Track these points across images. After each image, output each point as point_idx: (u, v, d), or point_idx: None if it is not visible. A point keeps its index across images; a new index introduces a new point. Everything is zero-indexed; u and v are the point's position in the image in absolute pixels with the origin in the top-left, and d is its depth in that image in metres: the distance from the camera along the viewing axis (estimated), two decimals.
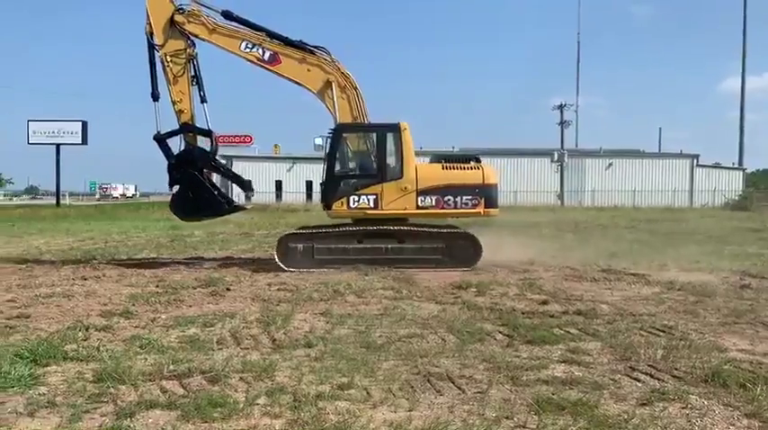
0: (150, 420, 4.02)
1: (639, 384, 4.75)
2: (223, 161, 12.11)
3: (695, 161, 55.01)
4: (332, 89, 11.63)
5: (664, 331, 6.45)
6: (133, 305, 7.97)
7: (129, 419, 4.00)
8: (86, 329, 6.52)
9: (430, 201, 11.58)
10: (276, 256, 11.47)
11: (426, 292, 8.86)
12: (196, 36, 11.82)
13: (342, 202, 11.55)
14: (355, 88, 11.78)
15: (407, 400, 4.37)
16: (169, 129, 12.01)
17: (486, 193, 11.75)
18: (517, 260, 12.51)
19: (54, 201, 54.10)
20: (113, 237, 19.02)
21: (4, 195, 70.24)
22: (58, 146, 52.01)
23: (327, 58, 11.82)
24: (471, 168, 11.95)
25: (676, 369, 5.09)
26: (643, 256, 13.28)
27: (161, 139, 11.99)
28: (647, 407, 4.24)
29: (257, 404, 4.30)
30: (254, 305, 8.07)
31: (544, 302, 8.09)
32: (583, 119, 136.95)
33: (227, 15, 11.85)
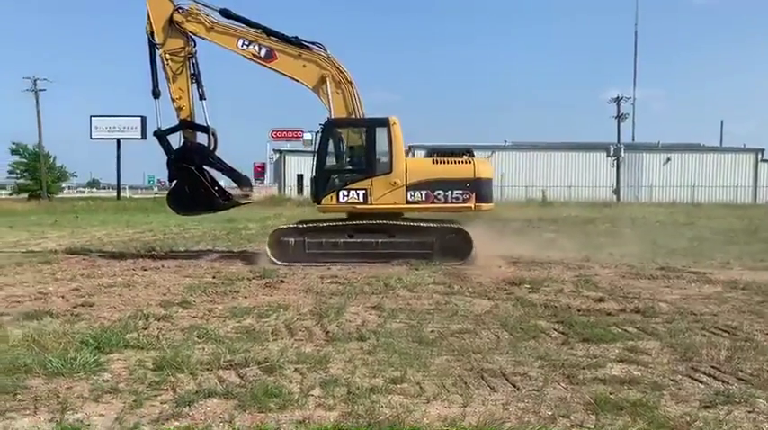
0: (208, 408, 4.11)
1: (702, 386, 4.59)
2: (221, 157, 12.19)
3: (760, 155, 52.87)
4: (327, 84, 11.69)
5: (727, 331, 6.22)
6: (191, 295, 8.18)
7: (188, 407, 4.10)
8: (146, 318, 6.72)
9: (419, 195, 11.48)
10: (268, 251, 11.59)
11: (478, 288, 8.79)
12: (195, 34, 12.01)
13: (331, 197, 11.58)
14: (351, 83, 11.81)
15: (461, 396, 4.34)
16: (169, 126, 12.26)
17: (477, 188, 11.58)
18: (571, 256, 12.28)
19: (115, 194, 56.00)
20: (171, 229, 19.55)
21: (69, 188, 73.00)
22: (118, 140, 53.80)
23: (323, 54, 11.87)
24: (463, 162, 11.83)
25: (741, 371, 4.90)
26: (704, 254, 12.85)
27: (161, 135, 12.29)
28: (711, 410, 4.09)
29: (312, 395, 4.34)
30: (307, 297, 8.17)
31: (600, 300, 7.92)
32: (640, 112, 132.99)
33: (224, 14, 12.00)
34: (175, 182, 12.34)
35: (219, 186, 12.62)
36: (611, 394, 4.34)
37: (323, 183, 11.67)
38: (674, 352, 5.46)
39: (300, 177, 51.78)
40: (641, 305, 7.48)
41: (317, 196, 11.69)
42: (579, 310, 7.23)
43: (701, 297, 8.22)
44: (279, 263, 11.21)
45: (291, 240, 11.55)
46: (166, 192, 13.47)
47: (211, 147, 12.11)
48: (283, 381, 4.63)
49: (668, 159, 52.49)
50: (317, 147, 11.75)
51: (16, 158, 57.08)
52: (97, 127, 54.09)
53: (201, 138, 12.25)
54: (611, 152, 50.47)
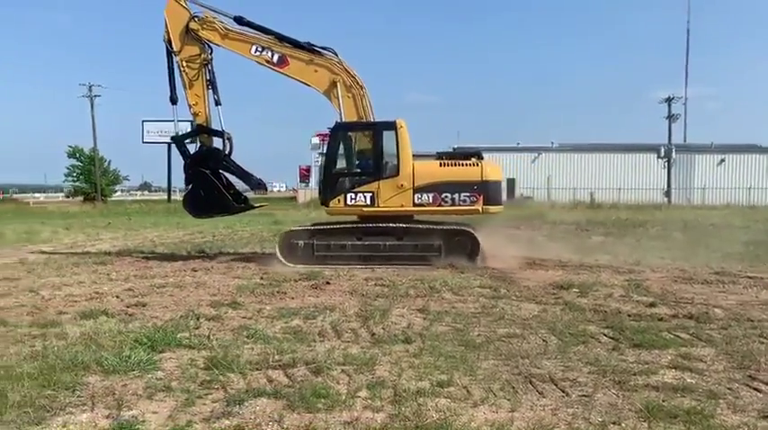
0: (258, 408, 4.18)
1: (760, 395, 4.44)
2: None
3: None
4: (338, 89, 11.78)
5: None
6: (240, 296, 8.34)
7: (238, 406, 4.19)
8: (197, 318, 6.89)
9: (427, 198, 11.45)
10: (278, 252, 11.66)
11: (525, 292, 8.69)
12: (210, 41, 12.25)
13: (339, 200, 11.62)
14: (362, 87, 11.89)
15: (509, 401, 4.31)
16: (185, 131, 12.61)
17: (485, 190, 11.48)
18: (621, 260, 12.03)
19: (165, 197, 57.38)
20: (220, 230, 19.91)
21: (122, 191, 75.21)
22: (169, 144, 55.03)
23: (334, 59, 11.97)
24: (470, 165, 11.70)
25: None
26: (760, 258, 12.40)
27: (178, 140, 12.61)
28: None
29: (359, 397, 4.38)
30: (353, 299, 8.22)
31: (652, 305, 7.72)
32: (692, 111, 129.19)
33: (239, 20, 12.20)
34: (191, 185, 12.63)
35: (235, 189, 12.87)
36: (663, 401, 4.24)
37: (331, 186, 11.79)
38: (731, 359, 5.29)
39: None
40: (695, 311, 7.27)
41: (325, 199, 11.82)
42: (630, 315, 7.08)
43: (759, 303, 7.94)
44: (288, 264, 11.33)
45: (301, 242, 11.71)
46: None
47: (227, 152, 12.37)
48: (331, 382, 4.68)
49: (722, 160, 50.76)
50: (325, 151, 11.83)
51: (73, 162, 59.06)
52: (149, 131, 55.52)
53: (218, 143, 12.51)
54: (662, 153, 49.14)
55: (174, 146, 12.75)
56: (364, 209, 11.58)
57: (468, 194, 11.41)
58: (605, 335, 6.17)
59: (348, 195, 11.58)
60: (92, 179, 57.04)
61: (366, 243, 11.50)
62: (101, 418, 4.03)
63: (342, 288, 9.10)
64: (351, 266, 11.03)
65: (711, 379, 4.79)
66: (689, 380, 4.74)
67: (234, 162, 12.43)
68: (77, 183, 60.03)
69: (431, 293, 8.54)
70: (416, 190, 11.44)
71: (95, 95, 56.95)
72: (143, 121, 56.08)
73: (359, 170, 12.07)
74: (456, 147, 48.84)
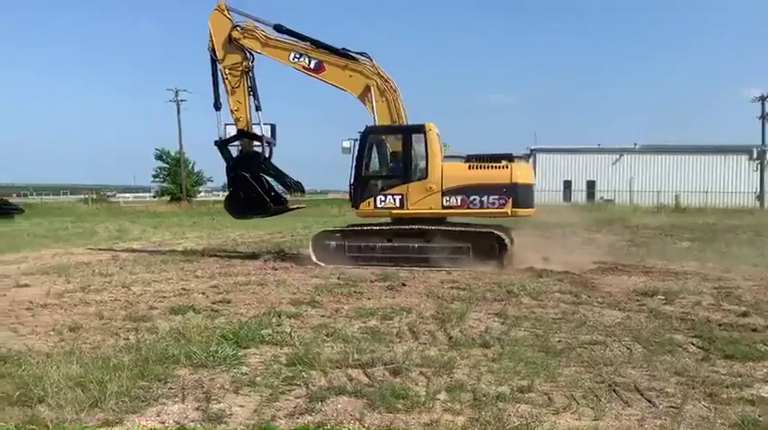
0: (339, 406, 4.26)
1: None
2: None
3: None
4: (371, 93, 11.89)
5: None
6: (319, 295, 8.52)
7: (320, 403, 4.28)
8: (279, 316, 7.09)
9: (455, 200, 11.49)
10: (311, 253, 11.87)
11: (608, 298, 8.44)
12: (251, 49, 12.61)
13: (369, 202, 11.81)
14: (395, 91, 11.97)
15: (592, 409, 4.21)
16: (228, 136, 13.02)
17: (514, 193, 11.36)
18: (710, 267, 11.50)
19: None
20: (298, 230, 20.37)
21: (205, 192, 78.10)
22: None
23: (369, 64, 12.08)
24: (500, 167, 11.53)
25: None
26: None
27: (222, 145, 13.00)
28: None
29: (438, 399, 4.38)
30: (429, 301, 8.23)
31: (744, 314, 7.34)
32: None
33: (278, 28, 12.46)
34: (232, 188, 13.12)
35: (276, 192, 13.19)
36: (760, 417, 4.03)
37: (361, 189, 11.96)
38: None
39: None
40: None
41: (355, 201, 12.00)
42: (720, 325, 6.75)
43: None
44: (321, 264, 11.55)
45: (333, 243, 11.97)
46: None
47: (266, 155, 12.80)
48: (410, 383, 4.71)
49: None
50: (355, 154, 11.96)
51: (160, 164, 61.78)
52: (231, 134, 57.35)
53: (258, 147, 12.96)
54: (755, 155, 46.57)
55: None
56: (393, 211, 11.80)
57: (496, 197, 11.41)
58: (694, 345, 5.92)
59: (378, 197, 11.82)
60: (177, 180, 59.46)
61: (396, 244, 11.65)
62: (191, 410, 4.21)
63: (417, 290, 9.13)
64: (381, 266, 11.19)
65: None
66: None
67: (273, 165, 12.88)
68: (164, 184, 62.73)
69: (508, 298, 8.43)
70: (445, 192, 11.55)
71: (181, 100, 59.35)
72: (225, 125, 57.87)
73: (388, 173, 12.26)
74: (533, 148, 47.94)
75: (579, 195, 45.51)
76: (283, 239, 17.75)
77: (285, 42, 12.54)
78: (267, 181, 13.03)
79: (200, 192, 70.47)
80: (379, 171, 12.40)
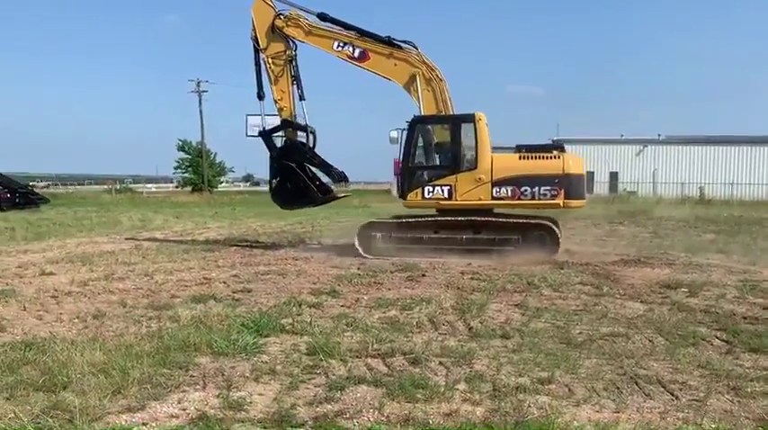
0: (359, 394, 4.27)
1: None
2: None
3: None
4: (417, 82, 11.71)
5: None
6: (339, 285, 8.55)
7: (339, 392, 4.30)
8: (299, 305, 7.12)
9: (505, 191, 11.29)
10: (357, 244, 11.76)
11: (630, 290, 8.35)
12: (294, 38, 12.45)
13: (417, 193, 11.63)
14: (441, 80, 11.76)
15: (613, 401, 4.17)
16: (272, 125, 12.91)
17: (567, 184, 11.14)
18: (735, 260, 11.32)
19: (267, 188, 59.41)
20: (319, 221, 20.42)
21: (227, 182, 78.66)
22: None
23: (414, 53, 11.90)
24: (552, 158, 11.32)
25: None
26: None
27: (266, 135, 12.91)
28: None
29: (457, 389, 4.37)
30: (449, 292, 8.21)
31: None
32: None
33: (321, 17, 12.33)
34: (278, 178, 13.02)
35: (321, 181, 13.14)
36: None
37: (408, 180, 11.81)
38: None
39: None
40: None
41: (402, 192, 11.87)
42: (745, 318, 6.66)
43: None
44: (366, 256, 11.47)
45: (378, 234, 11.85)
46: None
47: (311, 145, 12.66)
48: (429, 373, 4.71)
49: None
50: (403, 144, 11.85)
51: (182, 154, 62.25)
52: (252, 125, 57.54)
53: (302, 137, 12.79)
54: None
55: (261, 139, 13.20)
56: (441, 202, 11.62)
57: (548, 188, 11.20)
58: (718, 338, 5.84)
59: (426, 188, 11.66)
60: (199, 171, 59.90)
61: (442, 236, 11.53)
62: (212, 397, 4.25)
63: (437, 280, 9.11)
64: (429, 258, 11.07)
65: None
66: None
67: (317, 155, 12.76)
68: (186, 175, 63.22)
69: (529, 289, 8.38)
70: (495, 183, 11.36)
71: (203, 91, 59.65)
72: (247, 116, 57.34)
73: (437, 163, 12.10)
74: (555, 139, 47.54)
75: (602, 187, 44.99)
76: (304, 230, 17.82)
77: (329, 31, 12.43)
78: (311, 170, 12.99)
79: (221, 182, 70.93)
80: (427, 161, 12.25)
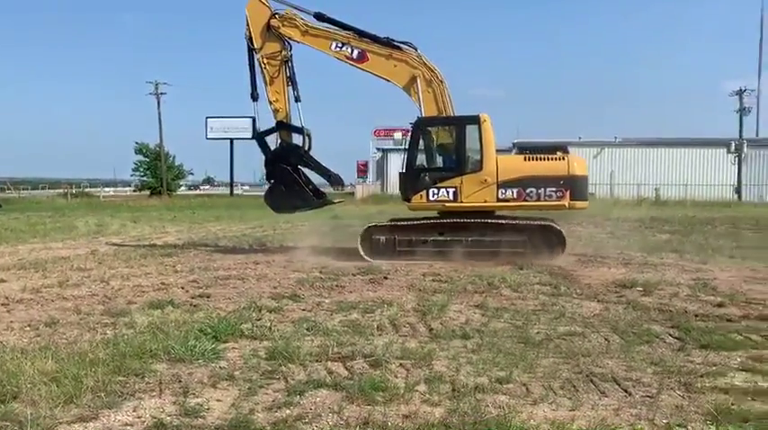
0: (318, 399, 4.25)
1: None
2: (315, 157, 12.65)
3: None
4: (417, 83, 11.66)
5: None
6: (300, 289, 8.51)
7: (299, 396, 4.27)
8: (259, 310, 7.06)
9: (511, 193, 11.25)
10: (360, 248, 11.63)
11: (587, 290, 8.51)
12: (290, 38, 12.27)
13: (421, 195, 11.53)
14: (442, 82, 11.74)
15: (569, 399, 4.25)
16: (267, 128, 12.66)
17: (572, 185, 11.19)
18: (688, 259, 11.64)
19: (228, 191, 58.82)
20: (281, 225, 20.24)
21: (186, 186, 77.48)
22: (231, 140, 56.48)
23: (414, 54, 11.85)
24: (557, 159, 11.39)
25: None
26: None
27: (260, 137, 12.71)
28: None
29: (417, 391, 4.39)
30: (411, 294, 8.24)
31: (720, 305, 7.44)
32: (766, 104, 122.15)
33: (318, 17, 12.20)
34: (273, 181, 12.82)
35: (314, 185, 12.97)
36: (733, 405, 4.10)
37: (413, 182, 11.71)
38: None
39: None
40: (767, 312, 6.97)
41: (407, 194, 11.77)
42: (696, 315, 6.85)
43: None
44: (369, 259, 11.33)
45: (382, 238, 11.69)
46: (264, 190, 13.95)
47: (306, 148, 12.48)
48: (389, 376, 4.72)
49: None
50: (407, 146, 11.77)
51: (140, 157, 61.13)
52: (212, 127, 57.03)
53: (297, 140, 12.64)
54: (733, 148, 47.09)
55: (256, 142, 12.88)
56: (447, 204, 11.49)
57: (554, 189, 11.19)
58: (671, 336, 5.99)
59: (431, 191, 11.52)
60: (158, 174, 58.92)
61: (448, 238, 11.41)
62: (168, 404, 4.18)
63: (399, 283, 9.13)
64: (433, 261, 10.98)
65: None
66: (761, 384, 4.56)
67: (313, 158, 12.56)
68: (144, 178, 62.13)
69: (489, 290, 8.47)
70: (500, 185, 11.29)
71: (161, 93, 58.79)
72: (207, 118, 57.60)
73: (441, 165, 12.01)
74: (515, 142, 48.10)
75: None
76: (265, 233, 17.67)
77: (326, 31, 12.25)
78: (304, 173, 12.77)
79: (180, 185, 69.90)
80: (432, 163, 12.13)
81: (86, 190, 61.98)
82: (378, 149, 59.79)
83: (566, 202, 11.21)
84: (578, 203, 11.38)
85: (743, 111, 51.48)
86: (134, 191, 69.43)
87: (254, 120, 13.15)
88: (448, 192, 11.44)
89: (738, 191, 46.38)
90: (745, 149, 47.08)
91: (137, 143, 60.90)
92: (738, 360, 5.17)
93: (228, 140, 56.82)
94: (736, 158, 47.33)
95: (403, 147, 11.79)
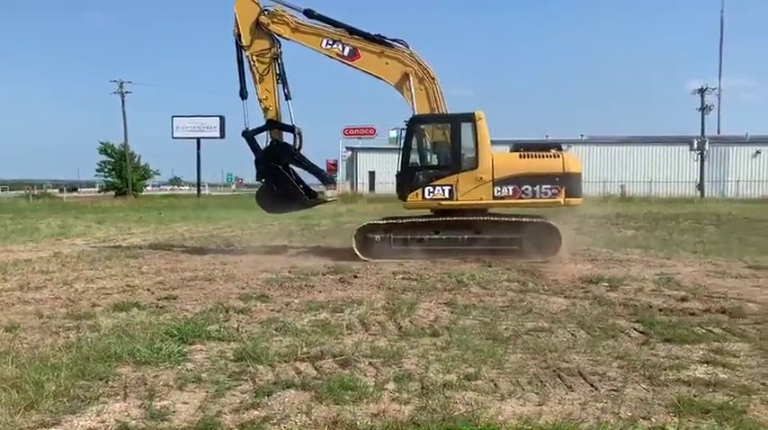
0: (286, 399, 4.22)
1: None
2: (306, 155, 12.54)
3: None
4: (410, 81, 11.66)
5: None
6: (268, 289, 8.43)
7: (267, 398, 4.23)
8: (227, 311, 6.98)
9: (506, 190, 11.31)
10: (354, 247, 11.58)
11: (554, 286, 8.62)
12: (280, 35, 12.16)
13: (417, 193, 11.53)
14: (434, 79, 11.75)
15: (537, 394, 4.29)
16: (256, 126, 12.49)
17: (567, 182, 11.31)
18: (652, 254, 11.86)
19: (195, 191, 58.13)
20: (249, 225, 20.11)
21: (152, 186, 76.40)
22: (198, 140, 55.77)
23: (406, 51, 11.85)
24: (551, 157, 11.50)
25: None
26: None
27: (249, 135, 12.53)
28: None
29: (386, 389, 4.39)
30: (380, 292, 8.24)
31: (683, 299, 7.60)
32: (727, 102, 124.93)
33: (308, 14, 12.10)
34: (264, 181, 12.63)
35: (305, 184, 12.81)
36: (695, 397, 4.18)
37: (408, 180, 11.67)
38: (765, 355, 5.19)
39: (372, 174, 52.14)
40: (728, 305, 7.13)
41: (402, 193, 11.72)
42: (660, 310, 6.98)
43: None
44: (364, 259, 11.25)
45: (378, 236, 11.60)
46: (247, 189, 13.80)
47: (297, 146, 12.31)
48: (358, 375, 4.70)
49: (757, 152, 49.59)
50: (401, 144, 11.78)
51: (104, 158, 60.12)
52: (178, 127, 56.19)
53: (288, 138, 12.49)
54: (695, 146, 48.19)
55: (244, 140, 12.60)
56: (442, 202, 11.48)
57: (549, 187, 11.24)
58: (635, 330, 6.09)
59: (426, 189, 11.50)
60: (123, 174, 58.03)
61: (444, 237, 11.38)
62: (133, 408, 4.10)
63: (369, 281, 9.13)
64: (429, 260, 10.93)
65: (744, 374, 4.70)
66: (721, 376, 4.66)
67: (305, 157, 12.43)
68: (109, 179, 61.12)
69: (458, 287, 8.52)
70: (496, 182, 11.31)
71: (126, 92, 57.91)
72: (173, 117, 56.75)
73: (436, 163, 12.01)
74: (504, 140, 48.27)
75: None
76: (233, 234, 17.50)
77: (316, 28, 12.11)
78: (295, 172, 12.60)
79: (146, 186, 68.93)
80: (427, 161, 12.09)
81: (49, 191, 60.68)
82: (348, 148, 59.72)
83: (561, 199, 11.31)
84: (573, 200, 11.48)
85: (705, 110, 52.68)
86: (98, 191, 68.22)
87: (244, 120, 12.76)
88: (444, 191, 11.45)
89: (701, 187, 47.51)
90: (707, 147, 48.23)
91: (101, 143, 59.94)
92: (700, 353, 5.27)
93: (195, 140, 56.14)
94: (699, 155, 48.45)
95: (398, 145, 11.68)
